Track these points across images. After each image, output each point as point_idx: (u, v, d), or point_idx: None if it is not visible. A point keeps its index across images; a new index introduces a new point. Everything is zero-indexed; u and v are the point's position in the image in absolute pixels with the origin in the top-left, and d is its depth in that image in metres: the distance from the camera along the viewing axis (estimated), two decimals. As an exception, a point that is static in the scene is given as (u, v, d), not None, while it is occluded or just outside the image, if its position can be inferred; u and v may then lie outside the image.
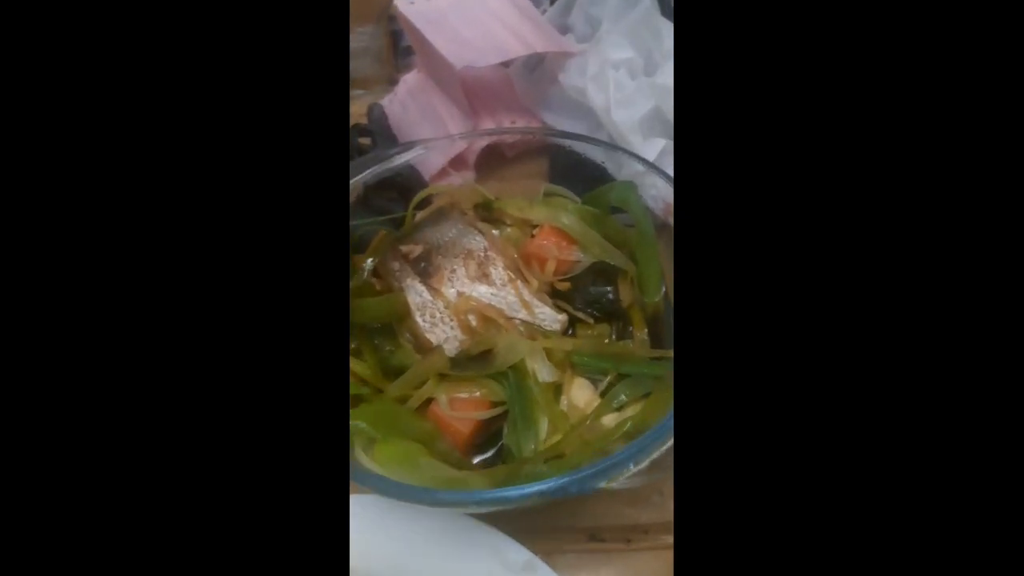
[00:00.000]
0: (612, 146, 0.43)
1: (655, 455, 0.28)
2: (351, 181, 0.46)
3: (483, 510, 0.31)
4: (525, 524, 0.34)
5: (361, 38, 0.82)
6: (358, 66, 0.84)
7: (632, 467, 0.27)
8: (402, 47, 0.86)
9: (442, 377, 0.34)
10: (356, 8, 0.89)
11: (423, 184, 0.51)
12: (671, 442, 0.28)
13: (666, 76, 0.45)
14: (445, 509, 0.32)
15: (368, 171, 0.46)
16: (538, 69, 0.59)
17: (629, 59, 0.48)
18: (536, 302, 0.38)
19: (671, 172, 0.45)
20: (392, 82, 0.87)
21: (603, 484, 0.27)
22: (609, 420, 0.33)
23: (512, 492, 0.27)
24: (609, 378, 0.35)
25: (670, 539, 0.36)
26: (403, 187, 0.51)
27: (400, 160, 0.47)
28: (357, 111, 0.74)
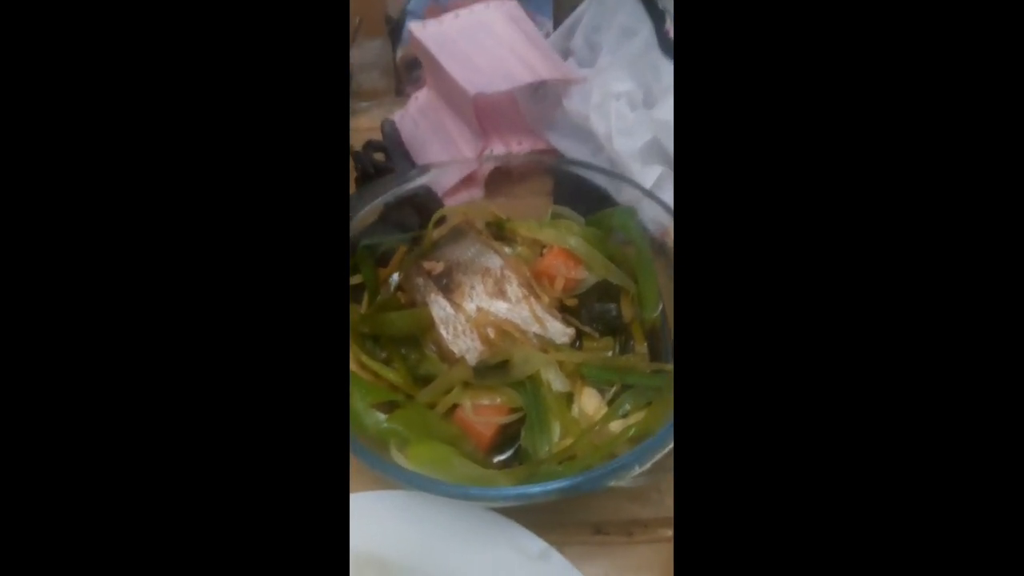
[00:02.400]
0: (613, 174, 0.47)
1: (657, 457, 0.33)
2: (374, 202, 0.49)
3: (506, 505, 0.35)
4: (538, 518, 0.38)
5: (369, 52, 0.85)
6: (366, 79, 0.87)
7: (638, 468, 0.31)
8: (408, 59, 0.89)
9: (466, 385, 0.38)
10: (366, 22, 0.92)
11: (437, 200, 0.55)
12: (671, 446, 0.33)
13: (664, 111, 0.49)
14: (472, 503, 0.36)
15: (388, 192, 0.50)
16: (542, 92, 0.63)
17: (629, 91, 0.52)
18: (547, 317, 0.42)
19: (668, 197, 0.49)
20: (399, 93, 0.91)
21: (612, 482, 0.32)
22: (616, 426, 0.37)
23: (535, 489, 0.31)
24: (615, 388, 0.39)
25: (668, 532, 0.40)
26: (419, 204, 0.55)
27: (417, 182, 0.51)
28: (367, 124, 0.78)
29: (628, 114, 0.51)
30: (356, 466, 0.41)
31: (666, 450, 0.33)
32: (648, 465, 0.32)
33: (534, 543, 0.36)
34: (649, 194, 0.44)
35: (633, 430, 0.36)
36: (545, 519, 0.39)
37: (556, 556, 0.36)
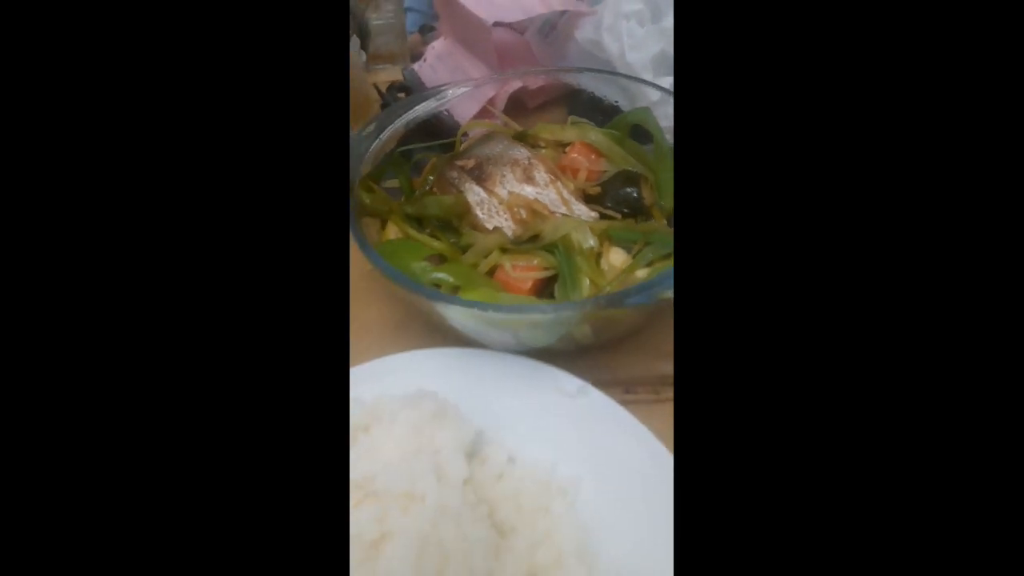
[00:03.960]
0: (628, 76, 0.51)
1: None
2: (397, 120, 0.52)
3: (554, 334, 0.39)
4: (569, 377, 0.41)
5: (384, 16, 0.90)
6: (382, 42, 0.91)
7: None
8: (423, 26, 0.94)
9: (503, 251, 0.42)
10: (379, -10, 0.95)
11: (457, 127, 0.58)
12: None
13: (669, 20, 0.53)
14: (512, 355, 0.40)
15: (412, 110, 0.53)
16: (552, 34, 0.67)
17: (639, 10, 0.56)
18: (573, 200, 0.46)
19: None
20: (415, 57, 0.95)
21: (656, 296, 0.35)
22: (641, 274, 0.40)
23: (572, 306, 0.35)
24: (639, 246, 0.42)
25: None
26: (438, 134, 0.58)
27: (437, 102, 0.54)
28: (384, 79, 0.82)
29: (638, 31, 0.55)
30: (407, 326, 0.45)
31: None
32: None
33: (572, 383, 0.39)
34: (665, 91, 0.48)
35: (660, 273, 0.39)
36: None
37: (594, 391, 0.39)
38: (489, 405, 0.39)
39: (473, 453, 0.38)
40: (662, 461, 0.36)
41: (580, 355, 0.42)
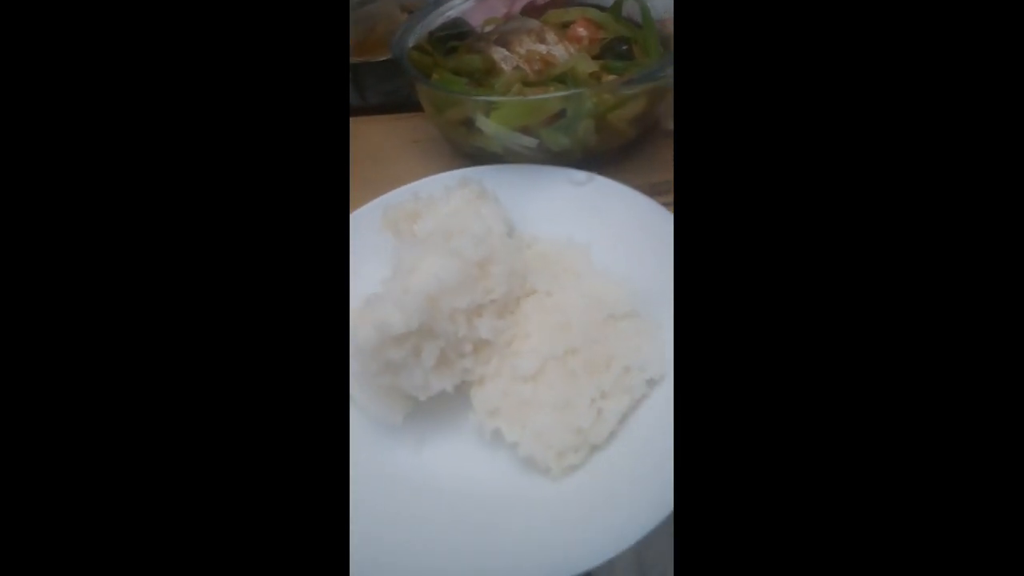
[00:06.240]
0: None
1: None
2: (419, 26, 0.64)
3: (568, 130, 0.51)
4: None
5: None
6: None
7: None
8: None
9: (525, 84, 0.54)
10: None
11: (475, 32, 0.70)
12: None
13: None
14: (531, 165, 0.52)
15: (433, 13, 0.65)
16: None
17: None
18: (577, 54, 0.57)
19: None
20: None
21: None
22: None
23: (592, 88, 0.47)
24: (628, 73, 0.54)
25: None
26: (459, 36, 0.70)
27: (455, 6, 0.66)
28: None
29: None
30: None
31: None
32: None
33: (580, 174, 0.51)
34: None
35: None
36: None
37: (599, 178, 0.50)
38: (515, 202, 0.51)
39: (508, 233, 0.49)
40: (662, 217, 0.47)
41: (586, 166, 0.53)
